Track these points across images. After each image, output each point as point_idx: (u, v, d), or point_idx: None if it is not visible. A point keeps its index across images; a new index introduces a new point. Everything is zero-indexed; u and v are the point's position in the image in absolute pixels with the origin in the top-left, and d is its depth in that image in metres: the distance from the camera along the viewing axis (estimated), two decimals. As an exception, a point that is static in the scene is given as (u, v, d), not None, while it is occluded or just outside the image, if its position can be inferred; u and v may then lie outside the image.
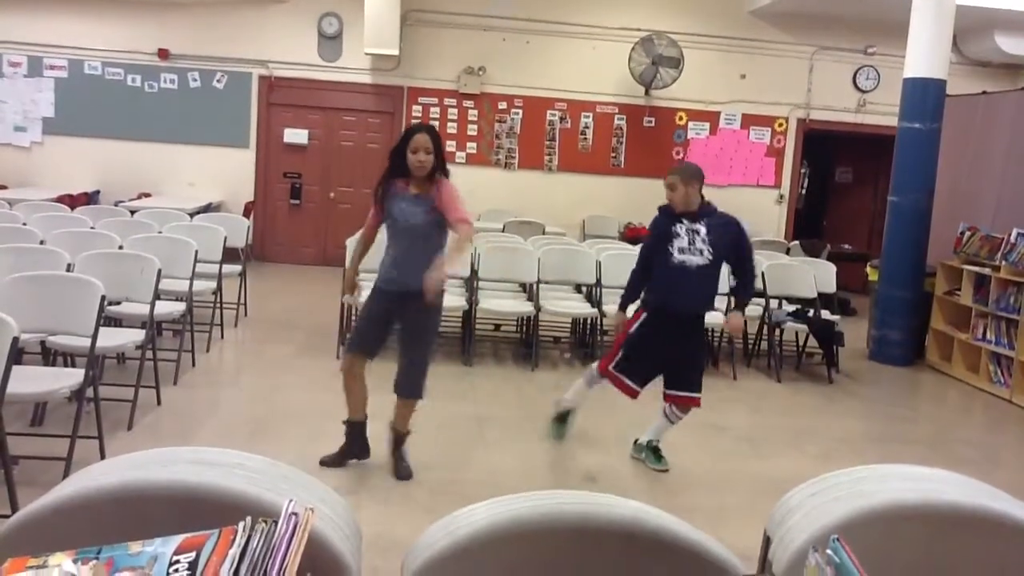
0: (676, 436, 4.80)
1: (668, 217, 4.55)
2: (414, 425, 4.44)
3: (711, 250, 4.44)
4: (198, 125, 10.81)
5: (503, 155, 11.21)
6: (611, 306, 6.94)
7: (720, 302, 7.21)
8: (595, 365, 4.75)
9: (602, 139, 11.29)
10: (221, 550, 1.01)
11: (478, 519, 1.45)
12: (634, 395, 4.59)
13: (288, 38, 10.78)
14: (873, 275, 8.27)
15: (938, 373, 7.72)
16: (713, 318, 7.10)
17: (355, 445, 4.38)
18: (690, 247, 4.45)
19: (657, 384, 4.63)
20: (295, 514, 1.06)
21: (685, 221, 4.48)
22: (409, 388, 4.29)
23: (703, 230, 4.46)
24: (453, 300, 6.85)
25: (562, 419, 4.90)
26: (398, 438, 4.40)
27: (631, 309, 4.74)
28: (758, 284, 7.22)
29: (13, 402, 3.62)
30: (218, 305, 6.84)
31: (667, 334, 4.52)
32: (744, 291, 4.79)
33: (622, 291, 4.87)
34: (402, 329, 4.32)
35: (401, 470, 4.34)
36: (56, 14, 10.51)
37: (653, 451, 4.75)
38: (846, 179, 13.08)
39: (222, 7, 10.61)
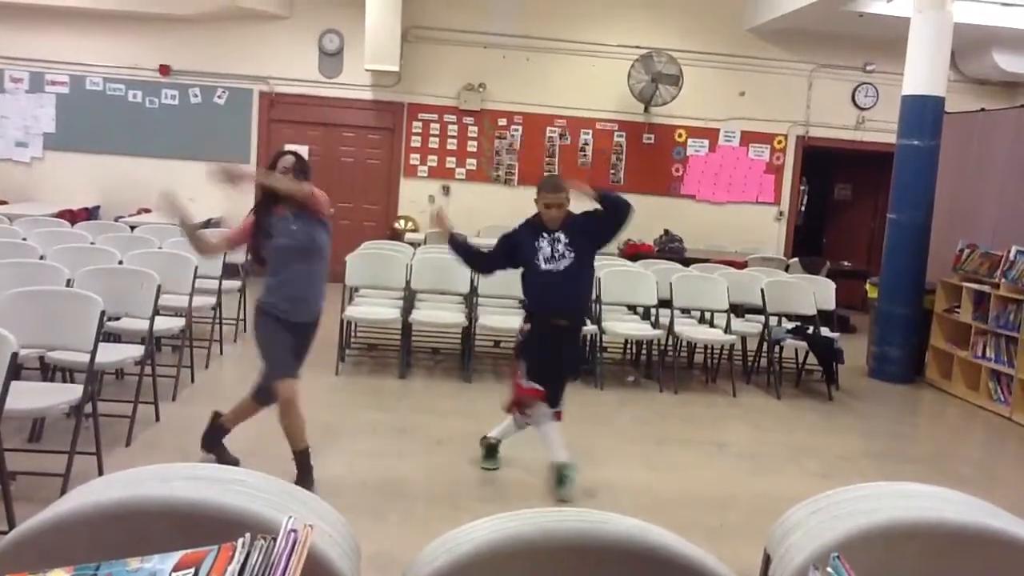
0: (676, 453, 4.79)
1: (532, 229, 4.61)
2: (411, 441, 4.41)
3: (572, 251, 4.53)
4: (199, 141, 10.83)
5: (503, 171, 11.23)
6: (610, 322, 6.97)
7: (720, 319, 7.24)
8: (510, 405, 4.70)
9: (602, 156, 11.32)
10: (220, 566, 1.01)
11: (478, 536, 1.45)
12: (541, 396, 4.52)
13: (289, 54, 10.83)
14: (872, 292, 8.28)
15: (938, 390, 7.71)
16: (710, 335, 7.13)
17: (308, 474, 4.18)
18: (554, 256, 4.53)
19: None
20: (294, 531, 1.06)
21: (546, 234, 4.55)
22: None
23: (563, 237, 4.54)
24: (453, 316, 6.86)
25: (491, 452, 4.83)
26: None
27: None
28: (757, 301, 7.27)
29: (11, 417, 3.61)
30: (217, 321, 6.84)
31: (551, 338, 4.55)
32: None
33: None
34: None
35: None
36: (58, 30, 10.56)
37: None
38: (845, 196, 13.11)
39: (223, 23, 10.66)
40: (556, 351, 4.58)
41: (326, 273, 4.30)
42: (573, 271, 4.54)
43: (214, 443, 4.39)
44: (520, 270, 4.65)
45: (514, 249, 4.62)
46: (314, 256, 4.22)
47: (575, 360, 4.88)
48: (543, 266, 4.52)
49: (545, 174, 4.31)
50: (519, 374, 4.59)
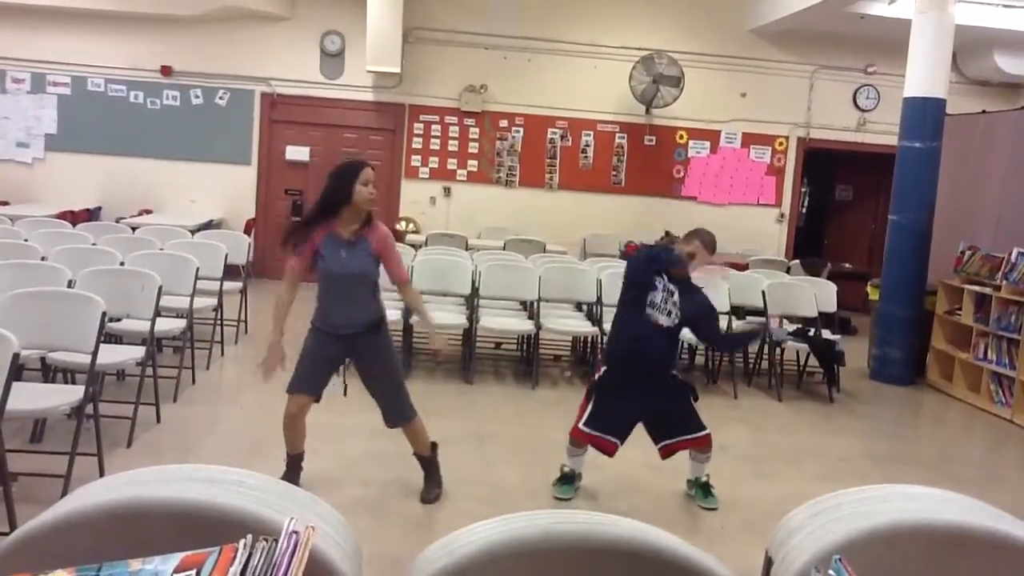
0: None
1: (651, 264, 4.31)
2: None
3: (678, 314, 4.28)
4: (200, 142, 10.84)
5: (504, 173, 11.23)
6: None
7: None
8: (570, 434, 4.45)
9: (603, 157, 11.32)
10: (222, 568, 1.00)
11: (478, 538, 1.45)
12: (612, 450, 4.34)
13: (290, 56, 10.84)
14: (874, 294, 8.27)
15: (939, 392, 7.71)
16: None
17: (295, 474, 4.21)
18: (662, 304, 4.26)
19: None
20: (296, 532, 1.06)
21: (665, 276, 4.27)
22: (397, 415, 4.20)
23: (676, 294, 4.28)
24: (453, 318, 6.86)
25: (567, 480, 4.55)
26: (425, 460, 4.33)
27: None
28: (758, 302, 7.26)
29: (12, 419, 3.61)
30: (219, 322, 6.83)
31: (634, 385, 4.31)
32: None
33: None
34: (361, 364, 4.15)
35: (429, 494, 4.28)
36: (59, 31, 10.57)
37: (703, 487, 4.57)
38: (846, 198, 13.11)
39: (225, 24, 10.67)
40: (641, 397, 4.30)
41: (375, 293, 4.11)
42: (671, 332, 4.31)
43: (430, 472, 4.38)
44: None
45: (636, 290, 4.33)
46: (362, 283, 4.04)
47: (672, 400, 4.43)
48: (647, 309, 4.24)
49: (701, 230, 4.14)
50: (582, 414, 4.37)
